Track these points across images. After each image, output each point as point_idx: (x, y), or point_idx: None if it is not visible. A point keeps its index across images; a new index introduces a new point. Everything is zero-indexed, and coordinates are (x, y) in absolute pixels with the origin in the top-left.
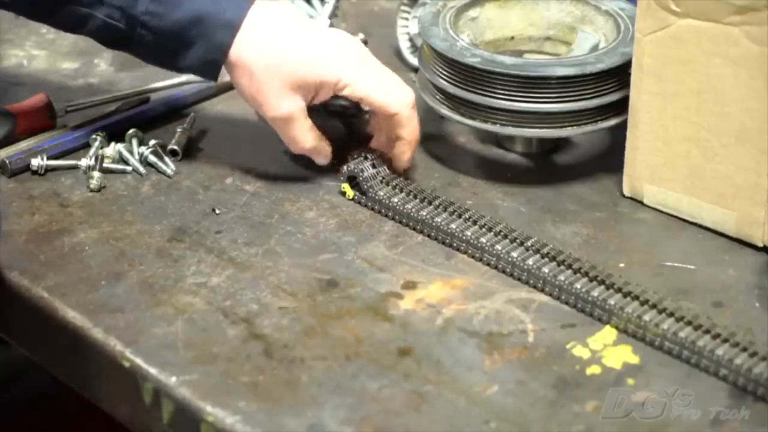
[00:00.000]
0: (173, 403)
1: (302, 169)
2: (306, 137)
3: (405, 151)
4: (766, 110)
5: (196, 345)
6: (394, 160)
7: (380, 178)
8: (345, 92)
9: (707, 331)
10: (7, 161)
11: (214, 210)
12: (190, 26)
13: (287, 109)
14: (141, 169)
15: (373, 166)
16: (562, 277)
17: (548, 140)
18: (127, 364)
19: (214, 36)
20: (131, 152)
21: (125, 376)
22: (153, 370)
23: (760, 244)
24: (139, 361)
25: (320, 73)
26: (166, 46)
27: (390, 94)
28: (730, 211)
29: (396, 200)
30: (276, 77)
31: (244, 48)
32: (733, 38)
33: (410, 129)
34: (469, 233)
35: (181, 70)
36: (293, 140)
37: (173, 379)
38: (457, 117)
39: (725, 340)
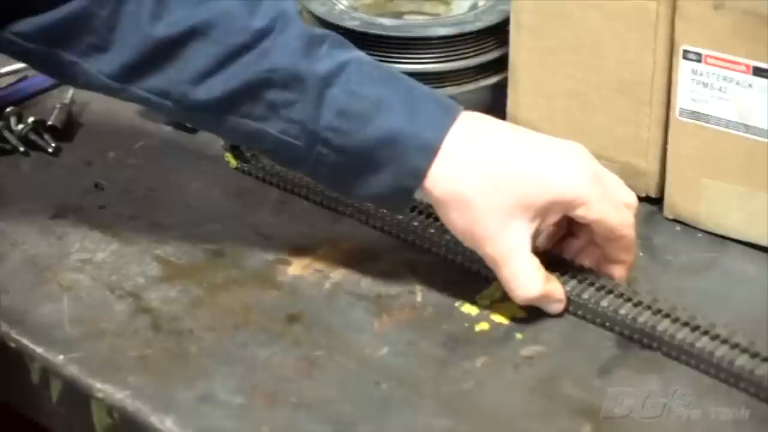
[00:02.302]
0: (62, 382)
1: (185, 141)
2: (533, 278)
3: (623, 275)
4: (643, 62)
5: (82, 322)
6: (605, 273)
7: None
8: (578, 212)
9: (592, 284)
10: None
11: (97, 185)
12: (380, 147)
13: (510, 243)
14: (21, 147)
15: None
16: (448, 237)
17: None
18: (13, 345)
19: (408, 159)
20: (10, 130)
21: (12, 358)
22: (39, 350)
23: (643, 195)
24: (25, 341)
25: (553, 192)
26: (349, 168)
27: (623, 216)
28: (613, 163)
29: (279, 167)
30: (497, 203)
31: (448, 173)
32: None
33: (631, 252)
34: None
35: (363, 198)
36: (517, 283)
37: (60, 357)
38: None
39: (609, 292)
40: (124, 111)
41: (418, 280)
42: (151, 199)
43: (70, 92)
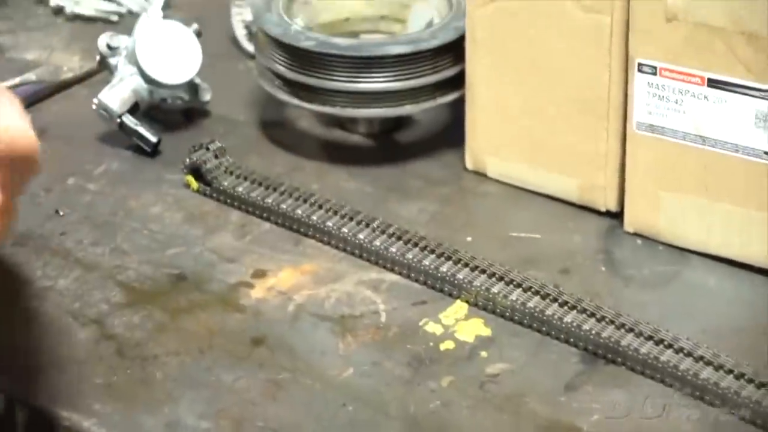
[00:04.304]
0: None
1: (145, 165)
2: None
3: None
4: (599, 76)
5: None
6: None
7: (224, 168)
8: None
9: (555, 300)
10: None
11: (57, 212)
12: None
13: None
14: None
15: (216, 157)
16: (410, 256)
17: (390, 119)
18: None
19: None
20: None
21: None
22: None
23: (603, 209)
24: None
25: None
26: None
27: None
28: (572, 178)
29: (241, 189)
30: None
31: None
32: (562, 7)
33: None
34: (315, 218)
35: None
36: None
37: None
38: (297, 101)
39: (573, 307)
40: (83, 136)
41: (382, 299)
42: (112, 224)
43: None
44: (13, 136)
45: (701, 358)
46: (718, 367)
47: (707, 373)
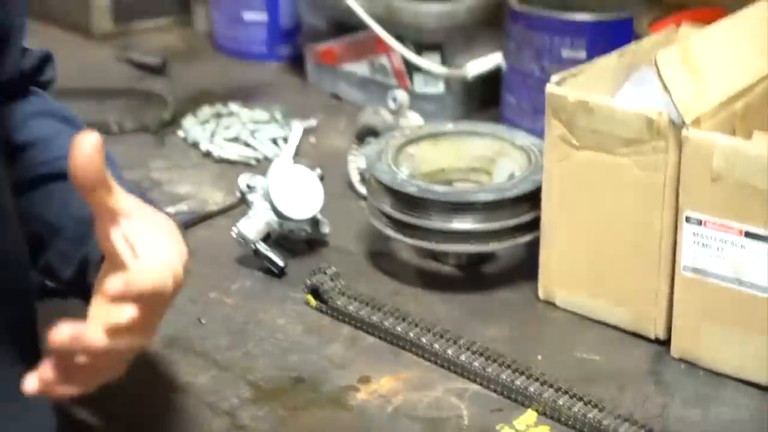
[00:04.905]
0: None
1: (273, 284)
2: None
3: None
4: (652, 225)
5: None
6: None
7: (338, 290)
8: None
9: (611, 413)
10: None
11: (199, 320)
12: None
13: None
14: None
15: (332, 280)
16: (490, 369)
17: (476, 254)
18: None
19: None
20: None
21: None
22: None
23: (652, 337)
24: None
25: None
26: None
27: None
28: (628, 309)
29: (351, 308)
30: None
31: None
32: (623, 166)
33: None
34: (411, 334)
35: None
36: None
37: None
38: (400, 237)
39: (626, 420)
40: (223, 258)
41: (465, 405)
42: (245, 332)
43: None
44: (140, 283)
45: None
46: None
47: None
